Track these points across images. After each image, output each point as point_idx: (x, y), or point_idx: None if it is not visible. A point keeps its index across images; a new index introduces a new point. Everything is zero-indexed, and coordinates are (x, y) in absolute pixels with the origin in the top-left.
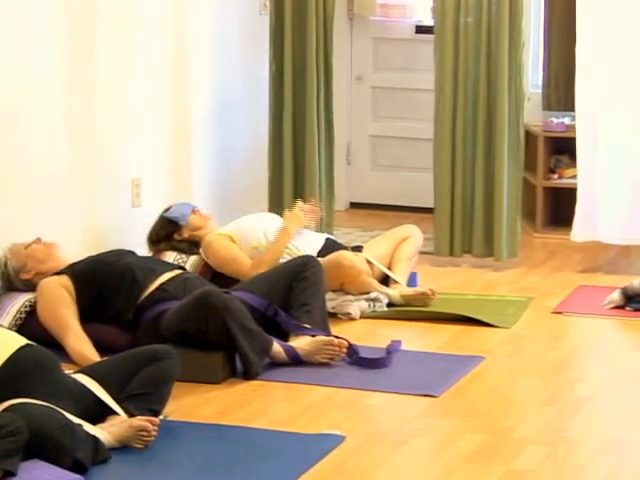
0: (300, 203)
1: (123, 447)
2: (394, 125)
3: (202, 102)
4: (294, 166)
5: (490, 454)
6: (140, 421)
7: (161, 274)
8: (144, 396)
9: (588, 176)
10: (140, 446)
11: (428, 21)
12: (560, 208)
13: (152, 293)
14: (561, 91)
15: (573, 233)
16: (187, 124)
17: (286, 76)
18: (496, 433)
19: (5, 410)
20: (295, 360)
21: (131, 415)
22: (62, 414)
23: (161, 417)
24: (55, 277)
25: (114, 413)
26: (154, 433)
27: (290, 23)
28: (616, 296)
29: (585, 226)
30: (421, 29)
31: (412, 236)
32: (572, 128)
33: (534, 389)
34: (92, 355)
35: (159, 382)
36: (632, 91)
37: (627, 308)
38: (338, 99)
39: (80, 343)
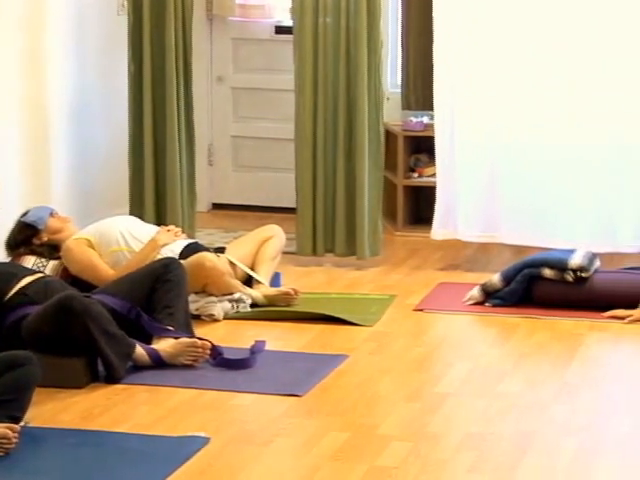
0: (170, 226)
1: None
2: (255, 125)
3: (60, 103)
4: (155, 167)
5: (354, 451)
6: (0, 428)
7: (21, 278)
8: (4, 403)
9: (446, 175)
10: (0, 454)
11: (287, 21)
12: (420, 207)
13: (11, 298)
14: (419, 91)
15: (433, 231)
16: (44, 126)
17: (145, 76)
18: (360, 430)
19: None
20: (158, 363)
21: None
22: None
23: (22, 424)
24: None
25: None
26: (15, 440)
27: (148, 23)
28: (476, 293)
29: (444, 224)
30: (281, 29)
31: (275, 236)
32: (430, 127)
33: (397, 386)
34: None
35: (19, 388)
36: (489, 90)
37: (486, 304)
38: (198, 100)
39: None
